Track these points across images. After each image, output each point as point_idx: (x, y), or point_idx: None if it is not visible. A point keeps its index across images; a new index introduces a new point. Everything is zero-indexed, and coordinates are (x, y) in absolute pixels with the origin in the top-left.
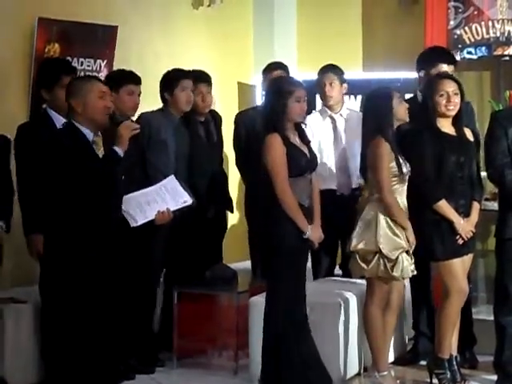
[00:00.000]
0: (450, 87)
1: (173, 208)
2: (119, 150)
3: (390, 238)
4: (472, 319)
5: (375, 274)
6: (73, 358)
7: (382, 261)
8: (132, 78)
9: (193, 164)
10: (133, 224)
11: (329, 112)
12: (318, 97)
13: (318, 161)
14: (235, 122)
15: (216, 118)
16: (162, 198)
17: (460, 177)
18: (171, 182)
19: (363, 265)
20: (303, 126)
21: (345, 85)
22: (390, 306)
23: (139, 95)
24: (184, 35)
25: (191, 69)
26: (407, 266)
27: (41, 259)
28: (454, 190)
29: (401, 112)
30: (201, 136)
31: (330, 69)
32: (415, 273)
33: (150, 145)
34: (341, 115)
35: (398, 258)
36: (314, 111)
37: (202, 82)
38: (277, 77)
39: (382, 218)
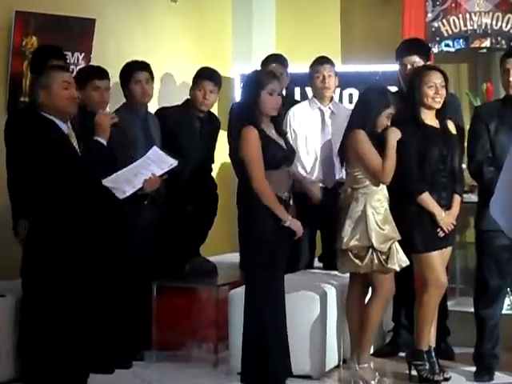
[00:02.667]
0: (437, 79)
1: (159, 173)
2: (101, 139)
3: (378, 231)
4: (447, 311)
5: (370, 268)
6: (50, 350)
7: (375, 255)
8: (96, 74)
9: (182, 154)
10: (121, 196)
11: (318, 104)
12: (299, 89)
13: (302, 152)
14: (230, 113)
15: (213, 122)
16: (147, 170)
17: (442, 169)
18: (155, 152)
19: (357, 261)
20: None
21: (337, 77)
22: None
23: (107, 90)
24: (162, 27)
25: (201, 66)
26: (402, 255)
27: (24, 249)
28: (436, 183)
29: (380, 125)
30: (195, 129)
31: (327, 60)
32: (408, 262)
33: (119, 143)
34: (329, 108)
35: (390, 249)
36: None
37: (207, 80)
38: (252, 70)
39: (370, 213)
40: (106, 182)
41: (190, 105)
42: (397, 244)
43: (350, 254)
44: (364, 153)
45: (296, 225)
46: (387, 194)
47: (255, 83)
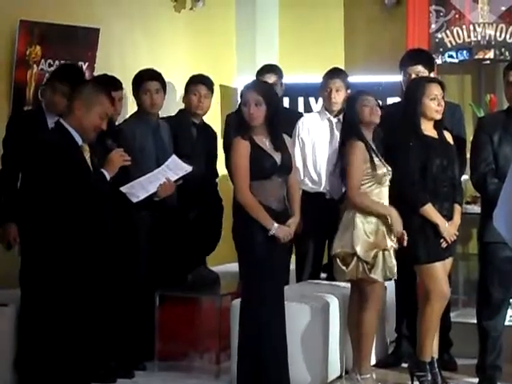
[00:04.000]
0: (438, 90)
1: (173, 178)
2: (107, 174)
3: (365, 240)
4: (450, 322)
5: (355, 276)
6: (49, 359)
7: (360, 263)
8: (111, 85)
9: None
10: (134, 200)
11: (328, 115)
12: (302, 99)
13: (311, 163)
14: (226, 123)
15: (209, 131)
16: (164, 176)
17: (443, 180)
18: (173, 160)
19: (343, 267)
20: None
21: (349, 90)
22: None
23: (120, 100)
24: (166, 38)
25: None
26: (391, 266)
27: (22, 258)
28: (438, 193)
29: (364, 114)
30: (192, 136)
31: (337, 74)
32: (396, 277)
33: (131, 154)
34: (339, 120)
35: (375, 258)
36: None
37: (201, 84)
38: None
39: (358, 220)
40: (123, 188)
41: (185, 113)
42: (387, 255)
43: (338, 260)
44: (348, 166)
45: (281, 231)
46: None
47: (241, 96)
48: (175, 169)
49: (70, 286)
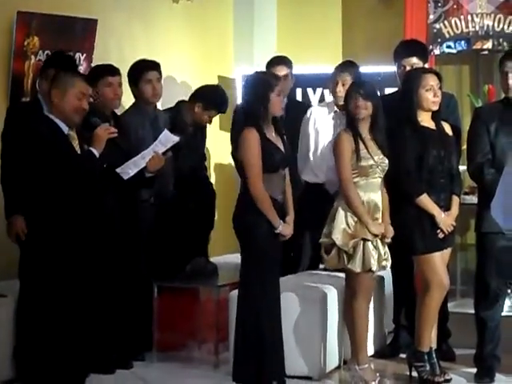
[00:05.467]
0: (434, 81)
1: (161, 151)
2: (95, 151)
3: (345, 230)
4: (448, 313)
5: (335, 265)
6: (47, 350)
7: (340, 253)
8: (108, 70)
9: (178, 154)
10: (125, 177)
11: (335, 108)
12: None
13: (312, 153)
14: (234, 114)
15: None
16: (155, 151)
17: (440, 170)
18: (165, 134)
19: (325, 256)
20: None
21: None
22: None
23: (120, 85)
24: (164, 29)
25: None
26: (369, 258)
27: (21, 247)
28: (434, 184)
29: (353, 107)
30: (188, 130)
31: (346, 68)
32: (387, 267)
33: (132, 146)
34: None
35: (355, 249)
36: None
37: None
38: (258, 71)
39: (340, 210)
40: (118, 169)
41: (185, 108)
42: (368, 246)
43: (322, 249)
44: (335, 158)
45: (286, 230)
46: (372, 197)
47: (264, 85)
48: (165, 142)
49: (68, 276)
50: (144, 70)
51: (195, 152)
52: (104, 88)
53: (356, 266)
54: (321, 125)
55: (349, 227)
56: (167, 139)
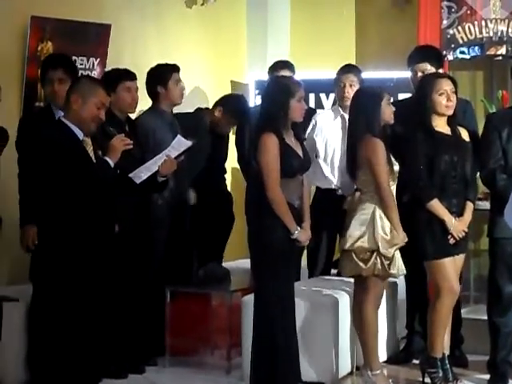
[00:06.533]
0: (448, 85)
1: (174, 155)
2: (110, 161)
3: (384, 237)
4: (461, 319)
5: (372, 272)
6: (60, 355)
7: (379, 259)
8: (127, 75)
9: (195, 158)
10: (137, 181)
11: (341, 112)
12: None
13: (323, 159)
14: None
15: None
16: (167, 155)
17: (453, 176)
18: (178, 140)
19: (361, 264)
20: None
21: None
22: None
23: (136, 90)
24: (177, 34)
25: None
26: (401, 263)
27: (33, 253)
28: (446, 189)
29: (387, 114)
30: (207, 137)
31: (351, 69)
32: (405, 272)
33: (149, 148)
34: None
35: (393, 255)
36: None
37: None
38: (280, 75)
39: (378, 217)
40: (131, 174)
41: (203, 112)
42: (398, 252)
43: (353, 255)
44: (376, 164)
45: (302, 237)
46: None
47: (284, 91)
48: (178, 146)
49: (81, 281)
50: (172, 72)
51: (212, 160)
52: (123, 93)
53: (397, 271)
54: (328, 131)
55: (385, 233)
56: (180, 144)
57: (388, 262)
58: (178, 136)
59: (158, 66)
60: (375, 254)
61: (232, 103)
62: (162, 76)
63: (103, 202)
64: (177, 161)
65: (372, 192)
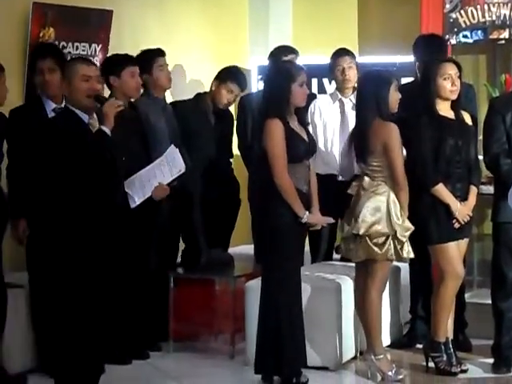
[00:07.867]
0: (452, 70)
1: (167, 181)
2: (106, 129)
3: (397, 221)
4: (465, 303)
5: (385, 257)
6: (64, 342)
7: (393, 244)
8: (131, 60)
9: (195, 145)
10: (132, 205)
11: (339, 96)
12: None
13: (322, 144)
14: (239, 105)
15: (227, 112)
16: (161, 172)
17: (457, 160)
18: (171, 151)
19: (376, 248)
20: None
21: (357, 69)
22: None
23: (139, 75)
24: (178, 19)
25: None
26: (410, 247)
27: (28, 242)
28: (451, 174)
29: (393, 100)
30: (209, 120)
31: (347, 52)
32: (413, 255)
33: (142, 133)
34: (350, 100)
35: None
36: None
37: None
38: (281, 61)
39: (392, 202)
40: (126, 187)
41: (204, 98)
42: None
43: (368, 240)
44: (392, 149)
45: (313, 219)
46: None
47: (286, 76)
48: (172, 163)
49: (83, 266)
50: (155, 57)
51: (217, 141)
52: (128, 78)
53: (407, 256)
54: (327, 115)
55: (398, 218)
56: (174, 161)
57: (400, 246)
58: (172, 146)
59: (143, 52)
60: (390, 239)
61: (224, 71)
62: (145, 62)
63: (103, 185)
64: (170, 185)
65: (385, 177)
